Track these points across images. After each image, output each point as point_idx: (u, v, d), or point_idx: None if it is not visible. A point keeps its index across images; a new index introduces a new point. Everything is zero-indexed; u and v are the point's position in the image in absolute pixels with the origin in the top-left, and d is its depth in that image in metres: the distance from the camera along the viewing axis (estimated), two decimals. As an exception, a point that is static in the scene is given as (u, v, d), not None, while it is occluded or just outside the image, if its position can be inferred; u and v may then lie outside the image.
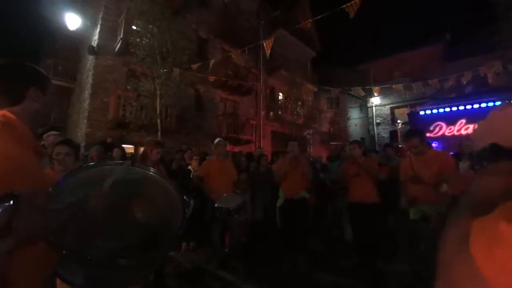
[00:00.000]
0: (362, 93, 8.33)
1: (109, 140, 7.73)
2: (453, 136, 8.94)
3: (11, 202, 0.62)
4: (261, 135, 13.65)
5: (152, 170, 1.35)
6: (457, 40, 16.97)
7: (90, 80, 9.10)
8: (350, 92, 11.17)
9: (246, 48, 6.07)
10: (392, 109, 18.33)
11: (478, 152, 0.47)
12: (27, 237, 0.72)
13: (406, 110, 15.28)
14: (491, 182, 0.41)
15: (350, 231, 3.89)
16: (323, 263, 3.66)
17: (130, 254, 1.13)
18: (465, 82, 8.61)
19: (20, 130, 0.87)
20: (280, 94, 15.74)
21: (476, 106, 9.09)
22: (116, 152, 5.13)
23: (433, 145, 6.73)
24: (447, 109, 9.94)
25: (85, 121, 8.84)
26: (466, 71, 8.41)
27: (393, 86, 8.10)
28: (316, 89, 16.44)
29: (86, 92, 9.33)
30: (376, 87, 8.15)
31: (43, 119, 1.01)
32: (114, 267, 1.09)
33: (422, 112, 10.80)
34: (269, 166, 5.19)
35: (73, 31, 9.48)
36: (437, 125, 10.00)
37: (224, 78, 9.73)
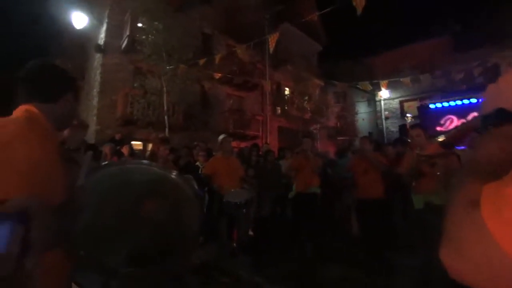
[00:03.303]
0: (370, 87, 8.18)
1: (118, 136, 7.84)
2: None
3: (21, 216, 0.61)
4: (268, 131, 13.62)
5: (173, 173, 1.32)
6: (467, 30, 16.41)
7: (98, 78, 9.22)
8: (358, 86, 10.95)
9: (252, 43, 6.01)
10: (401, 102, 17.98)
11: (484, 117, 0.46)
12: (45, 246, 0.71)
13: (415, 104, 14.98)
14: (495, 147, 0.41)
15: (357, 227, 3.91)
16: (331, 257, 3.66)
17: (147, 262, 1.13)
18: (477, 74, 8.34)
19: (44, 127, 0.87)
20: (286, 89, 15.62)
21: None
22: (125, 149, 5.20)
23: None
24: (458, 102, 9.69)
25: (94, 118, 8.99)
26: (477, 62, 8.14)
27: (401, 79, 7.91)
28: (322, 84, 16.25)
29: (95, 90, 9.46)
30: (384, 81, 7.97)
31: (66, 122, 1.05)
32: (131, 277, 1.09)
33: (432, 106, 10.57)
34: (276, 162, 5.20)
35: (80, 30, 9.58)
36: (448, 119, 9.77)
37: (229, 75, 9.71)
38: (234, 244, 3.80)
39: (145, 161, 1.49)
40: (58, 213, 0.78)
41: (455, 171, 2.34)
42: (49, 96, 0.93)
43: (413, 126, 2.89)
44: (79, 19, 8.99)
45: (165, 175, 1.32)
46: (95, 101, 9.22)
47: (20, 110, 0.87)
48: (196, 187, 2.03)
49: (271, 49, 5.23)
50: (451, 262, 0.34)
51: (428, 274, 2.48)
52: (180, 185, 1.31)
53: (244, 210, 3.19)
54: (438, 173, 2.45)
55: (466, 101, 9.46)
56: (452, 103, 9.86)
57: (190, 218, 1.30)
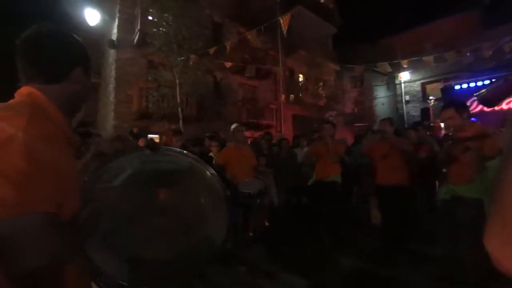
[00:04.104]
0: (389, 69, 7.72)
1: (135, 130, 8.02)
2: (494, 111, 8.12)
3: None
4: (282, 119, 13.43)
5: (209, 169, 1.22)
6: (497, 3, 15.03)
7: (113, 73, 9.41)
8: (376, 69, 10.35)
9: (262, 28, 5.80)
10: (423, 84, 17.01)
11: None
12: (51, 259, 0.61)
13: (439, 85, 14.11)
14: None
15: (377, 215, 3.76)
16: (349, 246, 3.58)
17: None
18: (508, 50, 7.64)
19: (52, 115, 0.71)
20: (300, 75, 15.22)
21: (521, 75, 8.10)
22: (141, 142, 5.30)
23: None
24: (486, 82, 9.00)
25: (112, 113, 9.24)
26: (508, 37, 7.41)
27: (424, 58, 7.40)
28: (338, 68, 15.68)
29: (111, 85, 9.69)
30: (404, 61, 7.48)
31: (79, 103, 0.87)
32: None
33: (457, 87, 9.91)
34: (291, 150, 5.10)
35: (93, 27, 9.74)
36: (475, 100, 9.14)
37: (240, 64, 9.53)
38: (250, 234, 3.80)
39: (177, 149, 1.36)
40: (68, 225, 0.67)
41: (491, 156, 1.97)
42: (53, 75, 0.75)
43: (445, 105, 2.40)
44: (91, 16, 9.12)
45: (200, 168, 1.23)
46: (111, 96, 9.44)
47: (20, 94, 0.71)
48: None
49: (284, 31, 5.00)
50: (504, 253, 0.27)
51: (449, 269, 2.33)
52: (210, 180, 1.22)
53: (258, 200, 3.15)
54: (469, 160, 2.11)
55: (494, 81, 8.76)
56: (480, 83, 9.18)
57: (216, 218, 1.21)
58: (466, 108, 2.31)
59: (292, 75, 14.86)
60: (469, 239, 2.11)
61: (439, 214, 2.63)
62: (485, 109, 8.43)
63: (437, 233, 2.90)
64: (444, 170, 2.47)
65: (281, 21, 5.03)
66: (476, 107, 9.33)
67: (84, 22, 9.44)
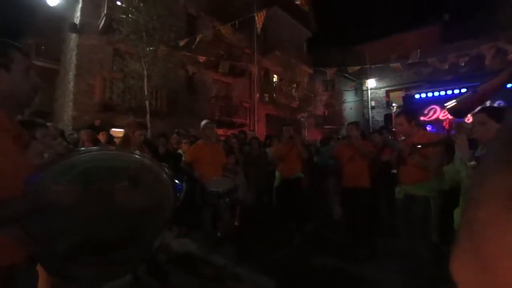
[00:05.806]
0: (357, 68, 8.16)
1: (97, 123, 7.44)
2: (447, 119, 8.92)
3: None
4: (256, 119, 13.43)
5: (146, 157, 1.23)
6: (456, 20, 16.55)
7: (74, 60, 8.63)
8: (346, 75, 10.82)
9: (237, 23, 5.68)
10: (387, 92, 18.15)
11: None
12: None
13: (401, 93, 15.12)
14: None
15: (339, 211, 3.94)
16: (316, 244, 3.64)
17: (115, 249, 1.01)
18: (462, 64, 8.41)
19: None
20: (275, 76, 15.35)
21: (471, 89, 8.97)
22: (102, 136, 4.92)
23: (427, 128, 6.69)
24: (442, 93, 9.84)
25: (71, 104, 8.49)
26: (463, 52, 8.18)
27: (391, 65, 7.91)
28: (311, 71, 16.09)
29: (71, 73, 8.88)
30: (373, 66, 7.94)
31: (14, 100, 0.88)
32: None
33: (417, 96, 10.70)
34: (262, 149, 5.07)
35: (55, 8, 8.85)
36: (432, 109, 9.95)
37: (213, 59, 9.29)
38: (218, 234, 3.69)
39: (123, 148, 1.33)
40: None
41: (443, 161, 2.25)
42: None
43: (398, 114, 2.75)
44: (52, -5, 8.27)
45: (143, 161, 1.21)
46: (71, 85, 8.66)
47: None
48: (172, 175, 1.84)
49: (258, 29, 4.97)
50: (472, 280, 0.22)
51: (409, 262, 2.49)
52: (157, 172, 1.20)
53: (226, 199, 3.06)
54: (415, 163, 2.39)
55: (449, 92, 9.62)
56: (436, 94, 10.01)
57: (163, 206, 1.19)
58: (415, 116, 2.63)
59: (267, 75, 14.92)
60: (422, 232, 2.37)
61: (398, 212, 2.84)
62: (440, 117, 9.21)
63: (398, 229, 3.10)
64: (394, 171, 2.70)
65: (256, 18, 4.98)
66: (432, 115, 10.19)
67: (43, 2, 8.55)
